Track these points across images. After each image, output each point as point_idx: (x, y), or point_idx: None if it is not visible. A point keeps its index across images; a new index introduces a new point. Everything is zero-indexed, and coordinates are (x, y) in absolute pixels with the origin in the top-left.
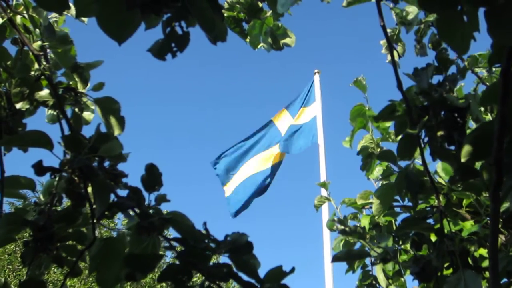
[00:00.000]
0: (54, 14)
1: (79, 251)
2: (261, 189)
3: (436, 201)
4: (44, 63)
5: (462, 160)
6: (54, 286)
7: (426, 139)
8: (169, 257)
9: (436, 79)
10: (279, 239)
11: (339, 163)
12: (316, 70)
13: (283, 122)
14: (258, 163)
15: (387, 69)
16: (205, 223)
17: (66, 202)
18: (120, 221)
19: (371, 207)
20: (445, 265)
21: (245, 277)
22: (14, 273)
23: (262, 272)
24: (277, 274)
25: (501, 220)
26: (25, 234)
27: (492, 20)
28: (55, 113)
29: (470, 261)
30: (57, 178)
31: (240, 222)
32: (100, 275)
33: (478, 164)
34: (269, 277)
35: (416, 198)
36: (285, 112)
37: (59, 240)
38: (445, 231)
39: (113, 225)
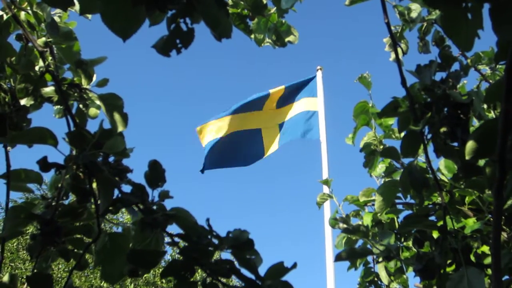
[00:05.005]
0: (58, 10)
1: (85, 244)
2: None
3: (439, 198)
4: (50, 58)
5: (467, 157)
6: (56, 282)
7: (429, 136)
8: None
9: (439, 76)
10: (281, 236)
11: (341, 160)
12: (318, 67)
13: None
14: (242, 121)
15: (390, 67)
16: (208, 219)
17: (72, 198)
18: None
19: (373, 204)
20: (448, 262)
21: (247, 274)
22: (16, 271)
23: (264, 268)
24: (279, 270)
25: (503, 217)
26: (28, 231)
27: (497, 17)
28: (62, 107)
29: (473, 258)
30: (62, 174)
31: (241, 219)
32: (105, 269)
33: (481, 162)
34: (271, 274)
35: (421, 195)
36: (283, 91)
37: (66, 234)
38: (448, 228)
39: (116, 221)
